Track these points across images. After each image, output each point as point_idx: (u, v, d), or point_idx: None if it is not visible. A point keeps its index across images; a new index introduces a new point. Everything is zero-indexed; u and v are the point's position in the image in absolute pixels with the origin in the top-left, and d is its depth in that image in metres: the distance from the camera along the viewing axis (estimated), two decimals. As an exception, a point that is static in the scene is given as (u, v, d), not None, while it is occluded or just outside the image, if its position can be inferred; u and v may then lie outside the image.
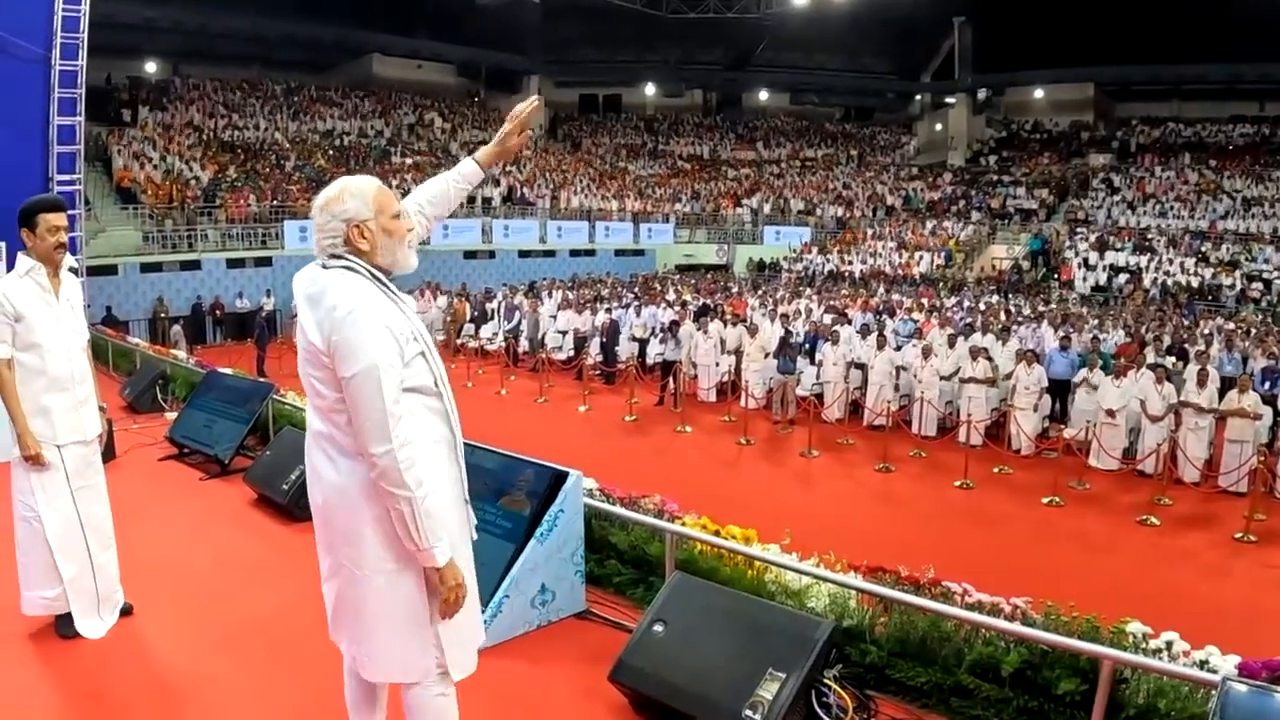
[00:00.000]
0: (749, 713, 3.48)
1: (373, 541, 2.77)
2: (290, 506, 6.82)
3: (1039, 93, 43.66)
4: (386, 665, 2.90)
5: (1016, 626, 3.86)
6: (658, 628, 4.01)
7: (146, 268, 25.06)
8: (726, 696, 3.61)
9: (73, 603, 4.71)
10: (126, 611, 5.02)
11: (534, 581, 4.73)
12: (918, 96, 49.27)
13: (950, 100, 45.63)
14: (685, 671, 3.80)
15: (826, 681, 3.61)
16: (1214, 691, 3.44)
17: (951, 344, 14.97)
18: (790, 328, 17.13)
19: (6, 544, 5.56)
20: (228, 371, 10.52)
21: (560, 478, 4.83)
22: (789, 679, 3.55)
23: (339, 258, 2.81)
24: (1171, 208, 34.51)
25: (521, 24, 41.50)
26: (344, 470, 2.78)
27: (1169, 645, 3.71)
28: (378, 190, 2.87)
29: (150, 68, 35.72)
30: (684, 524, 4.91)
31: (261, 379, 11.52)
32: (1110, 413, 12.38)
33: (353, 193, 2.84)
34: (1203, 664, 3.59)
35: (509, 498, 4.76)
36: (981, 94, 44.53)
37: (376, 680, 2.97)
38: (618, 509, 5.16)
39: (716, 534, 4.76)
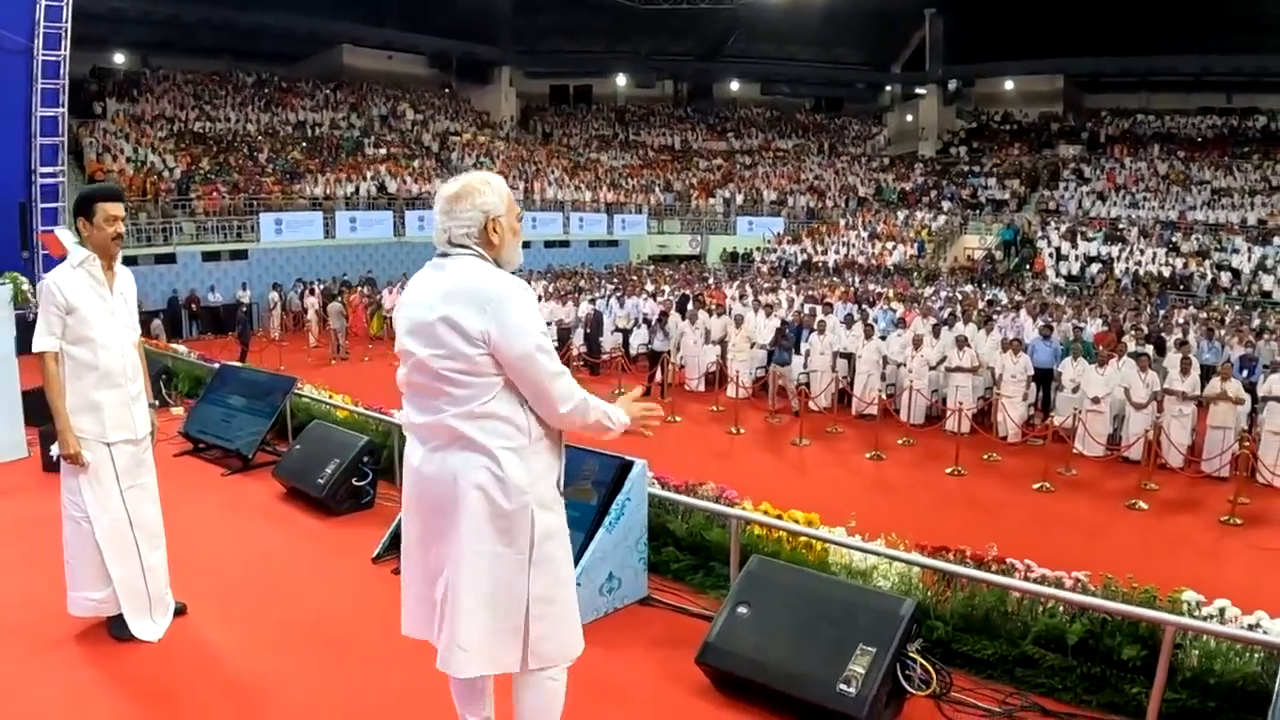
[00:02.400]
0: (844, 687, 3.69)
1: (498, 528, 2.90)
2: (327, 500, 6.87)
3: (1009, 84, 44.19)
4: (477, 655, 2.94)
5: (1085, 598, 4.12)
6: (742, 609, 4.18)
7: (121, 261, 24.69)
8: (820, 672, 3.80)
9: (124, 605, 4.62)
10: (180, 611, 4.95)
11: (603, 570, 4.87)
12: (888, 87, 49.77)
13: (921, 91, 46.06)
14: (775, 650, 3.98)
15: (912, 655, 3.84)
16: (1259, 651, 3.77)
17: (936, 334, 15.23)
18: (785, 318, 17.30)
19: (45, 545, 5.48)
20: (241, 366, 10.57)
21: (626, 467, 4.97)
22: (879, 654, 3.77)
23: (464, 248, 2.96)
24: (1143, 198, 35.10)
25: (492, 14, 41.45)
26: (481, 462, 2.88)
27: (1221, 612, 3.99)
28: (508, 191, 3.05)
29: (118, 59, 35.32)
30: (744, 509, 5.09)
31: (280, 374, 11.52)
32: (1096, 400, 12.70)
33: (493, 188, 2.99)
34: (1252, 627, 3.87)
35: (575, 487, 4.84)
36: (952, 85, 45.12)
37: (469, 674, 3.00)
38: (683, 497, 5.34)
39: (778, 518, 4.96)
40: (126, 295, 4.71)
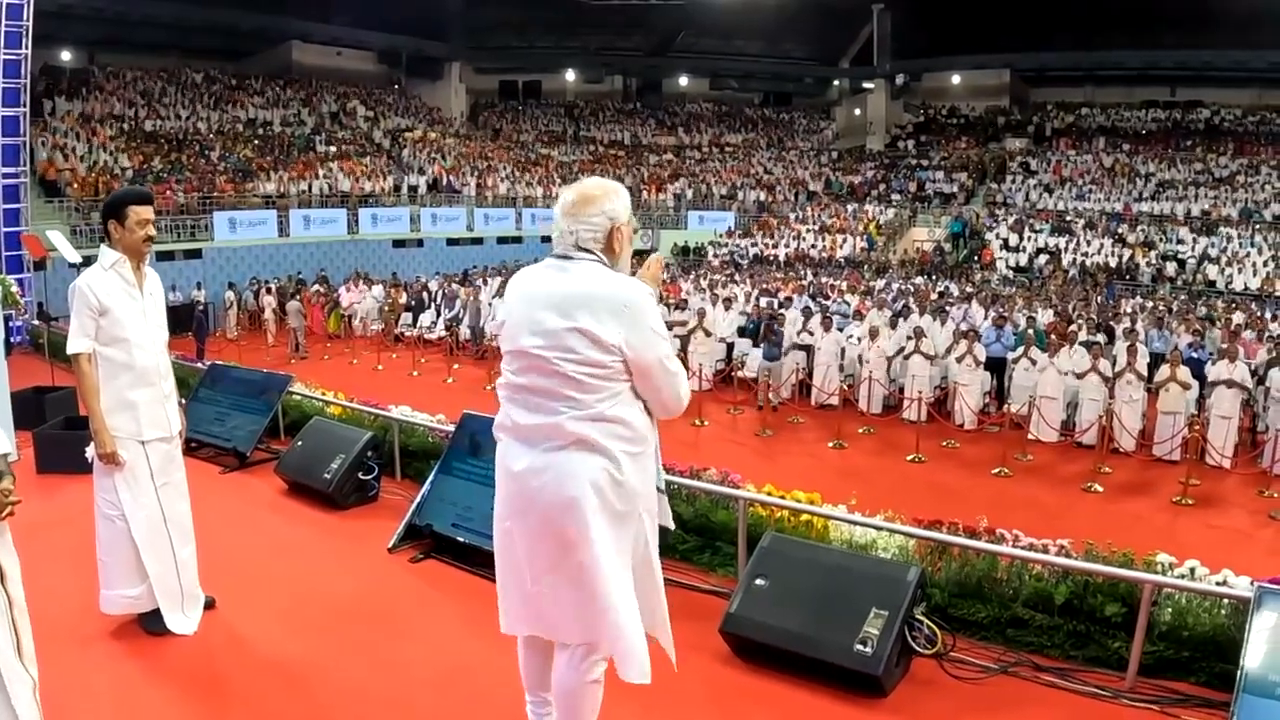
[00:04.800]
0: (860, 647, 4.07)
1: (612, 528, 3.01)
2: (334, 494, 7.05)
3: (956, 78, 44.85)
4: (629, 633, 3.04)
5: (1071, 561, 4.56)
6: (760, 581, 4.54)
7: (81, 260, 24.37)
8: (838, 634, 4.18)
9: (159, 600, 4.72)
10: (210, 605, 5.06)
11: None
12: (836, 82, 50.24)
13: (869, 86, 46.65)
14: (793, 617, 4.35)
15: (918, 617, 4.22)
16: (1225, 603, 4.24)
17: (893, 325, 15.66)
18: (772, 314, 17.47)
19: (52, 548, 5.69)
20: (232, 365, 10.68)
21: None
22: (890, 616, 4.15)
23: (589, 252, 3.02)
24: (1088, 190, 35.92)
25: (441, 10, 41.27)
26: (600, 464, 2.96)
27: (1192, 571, 4.45)
28: (629, 200, 3.13)
29: (65, 56, 34.71)
30: (749, 491, 5.44)
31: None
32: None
33: (621, 195, 3.08)
34: (1220, 584, 4.33)
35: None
36: (899, 79, 45.70)
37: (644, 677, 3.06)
38: (690, 480, 5.67)
39: (782, 499, 5.31)
40: (156, 296, 4.80)
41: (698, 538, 5.72)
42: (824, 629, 4.24)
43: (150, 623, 4.79)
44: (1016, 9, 38.77)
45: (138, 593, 4.71)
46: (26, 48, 16.49)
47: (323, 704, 4.24)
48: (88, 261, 25.28)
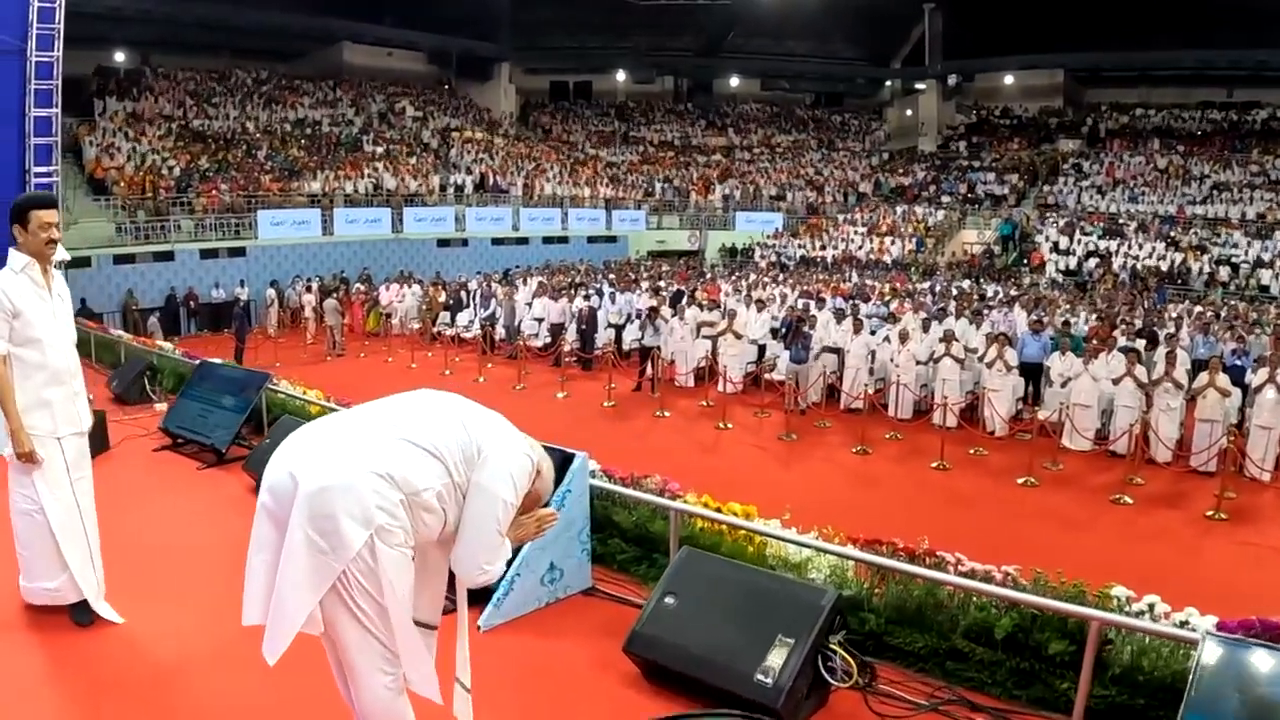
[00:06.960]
0: (761, 677, 3.69)
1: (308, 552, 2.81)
2: (293, 494, 6.90)
3: (1009, 79, 44.03)
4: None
5: (1011, 591, 4.10)
6: (669, 599, 4.21)
7: (119, 259, 24.86)
8: (739, 662, 3.82)
9: (85, 590, 4.78)
10: None
11: (543, 560, 4.91)
12: (888, 83, 49.61)
13: (920, 86, 45.95)
14: (698, 640, 4.00)
15: (832, 646, 3.83)
16: (1194, 649, 3.68)
17: (926, 328, 15.21)
18: (800, 316, 17.14)
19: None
20: (219, 362, 10.62)
21: (567, 459, 4.98)
22: (797, 644, 3.77)
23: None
24: (1141, 193, 34.98)
25: (491, 10, 41.49)
26: (353, 501, 2.78)
27: (1151, 608, 3.95)
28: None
29: (119, 57, 35.38)
30: (686, 502, 5.11)
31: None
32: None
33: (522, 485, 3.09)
34: (1183, 624, 3.83)
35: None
36: (951, 80, 44.97)
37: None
38: (624, 489, 5.38)
39: (718, 511, 4.97)
40: (64, 297, 4.87)
41: (636, 548, 5.42)
42: (726, 654, 3.88)
43: (78, 614, 4.83)
44: (1070, 8, 38.02)
45: (57, 584, 4.78)
46: (58, 50, 16.66)
47: (252, 702, 4.16)
48: (120, 260, 25.35)
